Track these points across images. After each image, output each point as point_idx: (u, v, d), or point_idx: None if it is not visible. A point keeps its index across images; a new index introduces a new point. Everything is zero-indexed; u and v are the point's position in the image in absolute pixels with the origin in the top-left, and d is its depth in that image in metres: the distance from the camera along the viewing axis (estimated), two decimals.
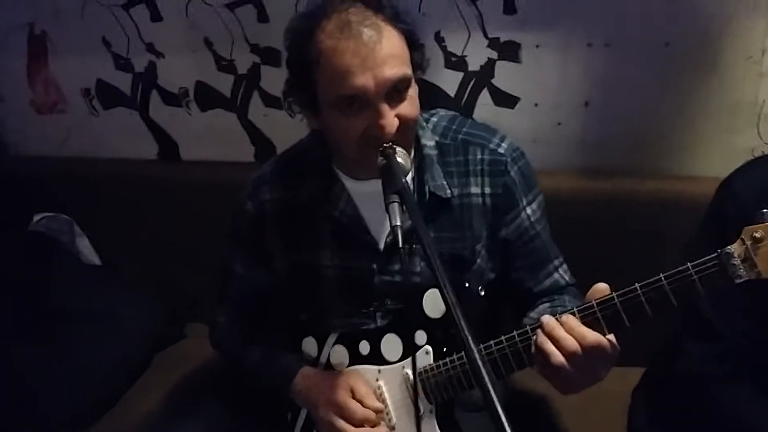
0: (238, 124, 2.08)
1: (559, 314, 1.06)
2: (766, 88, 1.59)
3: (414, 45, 1.16)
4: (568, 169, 1.79)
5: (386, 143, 1.11)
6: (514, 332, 1.13)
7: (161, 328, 2.12)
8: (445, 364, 1.22)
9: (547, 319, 1.06)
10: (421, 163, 1.28)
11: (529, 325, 1.11)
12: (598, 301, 1.05)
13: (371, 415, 1.27)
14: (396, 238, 0.94)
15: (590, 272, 1.37)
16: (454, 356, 1.22)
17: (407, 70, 1.12)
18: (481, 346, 1.17)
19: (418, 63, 1.17)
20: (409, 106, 1.14)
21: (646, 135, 1.73)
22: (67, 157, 2.30)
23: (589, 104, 1.73)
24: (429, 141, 1.30)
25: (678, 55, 1.60)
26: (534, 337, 1.09)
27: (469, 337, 0.79)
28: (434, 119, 1.34)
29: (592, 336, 1.02)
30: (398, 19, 1.13)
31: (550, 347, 1.03)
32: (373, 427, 1.26)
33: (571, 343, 1.02)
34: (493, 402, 0.71)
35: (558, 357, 1.02)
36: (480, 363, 0.76)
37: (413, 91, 1.15)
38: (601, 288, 1.06)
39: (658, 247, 1.67)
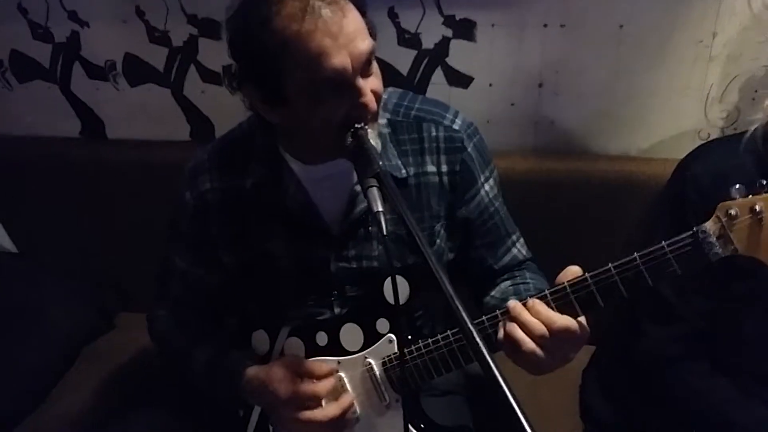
0: (172, 101, 1.96)
1: (528, 297, 1.03)
2: (715, 72, 1.62)
3: (364, 13, 1.09)
4: (521, 149, 1.78)
5: (358, 124, 1.05)
6: (483, 317, 1.09)
7: (88, 319, 2.00)
8: (412, 351, 1.17)
9: (513, 304, 1.03)
10: None
11: (499, 310, 1.08)
12: (571, 282, 1.03)
13: (330, 383, 1.22)
14: (379, 224, 0.91)
15: (544, 252, 1.40)
16: (421, 344, 1.17)
17: (373, 41, 1.06)
18: (449, 332, 1.14)
19: (371, 31, 1.10)
20: (377, 79, 1.09)
21: (598, 116, 1.73)
22: None
23: (543, 85, 1.72)
24: (381, 119, 1.23)
25: (631, 38, 1.61)
26: (501, 322, 1.05)
27: (464, 314, 0.79)
28: (384, 96, 1.27)
29: (561, 320, 0.99)
30: None
31: (519, 334, 1.00)
32: (336, 399, 1.22)
33: (539, 327, 0.99)
34: (498, 381, 0.71)
35: (528, 343, 0.99)
36: (478, 338, 0.76)
37: (375, 62, 1.10)
38: (574, 270, 1.04)
39: (610, 226, 1.71)
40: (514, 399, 0.69)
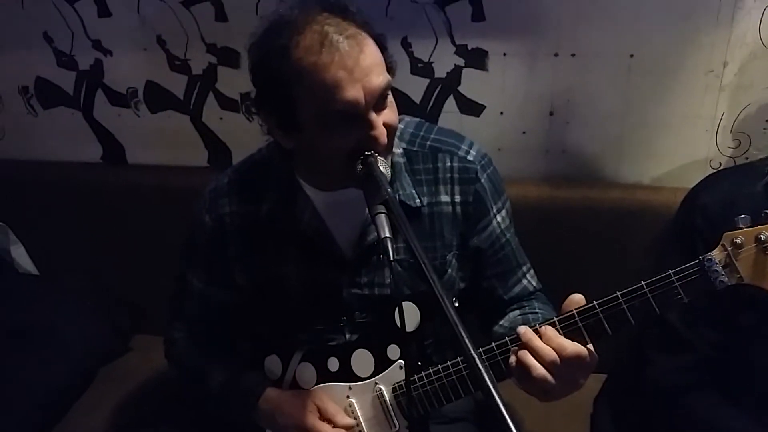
0: (191, 127, 2.00)
1: (538, 325, 1.05)
2: (725, 101, 1.63)
3: (384, 48, 1.12)
4: (532, 177, 1.79)
5: (368, 152, 1.07)
6: (493, 344, 1.11)
7: (105, 341, 2.03)
8: (422, 378, 1.19)
9: (524, 330, 1.05)
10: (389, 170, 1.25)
11: (508, 337, 1.09)
12: (579, 310, 1.04)
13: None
14: (386, 250, 0.91)
15: (554, 280, 1.40)
16: (431, 370, 1.18)
17: (389, 76, 1.09)
18: (459, 358, 1.15)
19: (390, 66, 1.13)
20: (391, 112, 1.11)
21: (608, 145, 1.74)
22: (1, 159, 2.16)
23: (554, 114, 1.73)
24: (397, 149, 1.25)
25: (642, 67, 1.62)
26: (513, 348, 1.07)
27: (470, 344, 0.79)
28: (401, 126, 1.29)
29: (571, 347, 1.01)
30: (368, 24, 1.09)
31: (530, 360, 1.02)
32: None
33: (550, 354, 1.00)
34: (500, 409, 0.71)
35: (539, 370, 1.01)
36: (483, 370, 0.76)
37: (391, 96, 1.12)
38: (577, 299, 1.06)
39: (620, 254, 1.70)
40: (515, 426, 0.70)
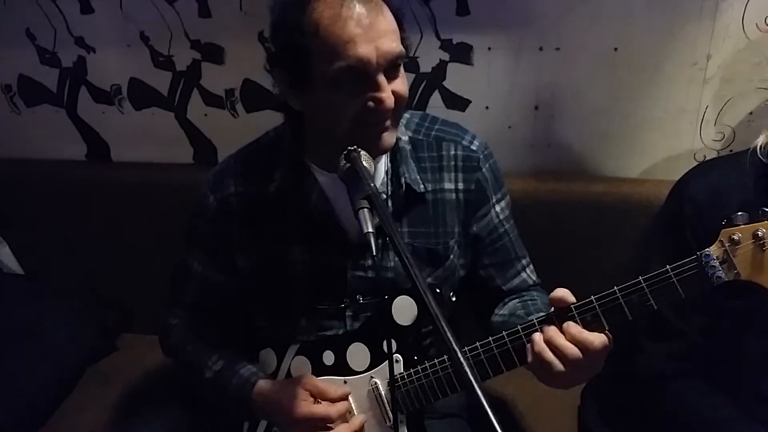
0: (175, 124, 1.99)
1: (555, 318, 1.05)
2: (709, 94, 1.64)
3: (401, 25, 1.14)
4: (518, 171, 1.79)
5: (351, 147, 1.06)
6: (503, 332, 1.11)
7: (92, 340, 2.01)
8: (417, 372, 1.20)
9: (549, 327, 1.05)
10: (396, 155, 1.27)
11: (520, 325, 1.09)
12: (577, 305, 1.04)
13: (343, 406, 1.24)
14: (369, 245, 0.93)
15: (540, 273, 1.43)
16: (427, 365, 1.20)
17: (403, 48, 1.10)
18: (466, 348, 1.14)
19: (405, 44, 1.14)
20: (402, 84, 1.13)
21: (593, 139, 1.75)
22: None
23: (539, 108, 1.74)
24: (403, 135, 1.28)
25: (626, 61, 1.63)
26: (528, 338, 1.07)
27: (452, 339, 0.78)
28: (406, 116, 1.33)
29: (598, 340, 1.01)
30: None
31: (550, 356, 1.02)
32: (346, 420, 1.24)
33: (574, 351, 1.01)
34: (483, 405, 0.71)
35: (559, 366, 1.01)
36: (466, 365, 0.76)
37: (402, 69, 1.13)
38: (561, 293, 1.06)
39: (606, 248, 1.72)
40: (500, 423, 0.69)
